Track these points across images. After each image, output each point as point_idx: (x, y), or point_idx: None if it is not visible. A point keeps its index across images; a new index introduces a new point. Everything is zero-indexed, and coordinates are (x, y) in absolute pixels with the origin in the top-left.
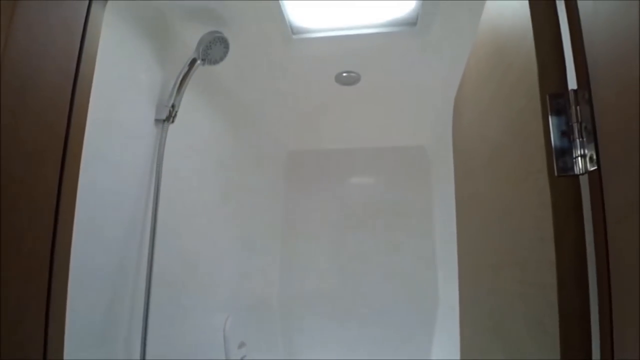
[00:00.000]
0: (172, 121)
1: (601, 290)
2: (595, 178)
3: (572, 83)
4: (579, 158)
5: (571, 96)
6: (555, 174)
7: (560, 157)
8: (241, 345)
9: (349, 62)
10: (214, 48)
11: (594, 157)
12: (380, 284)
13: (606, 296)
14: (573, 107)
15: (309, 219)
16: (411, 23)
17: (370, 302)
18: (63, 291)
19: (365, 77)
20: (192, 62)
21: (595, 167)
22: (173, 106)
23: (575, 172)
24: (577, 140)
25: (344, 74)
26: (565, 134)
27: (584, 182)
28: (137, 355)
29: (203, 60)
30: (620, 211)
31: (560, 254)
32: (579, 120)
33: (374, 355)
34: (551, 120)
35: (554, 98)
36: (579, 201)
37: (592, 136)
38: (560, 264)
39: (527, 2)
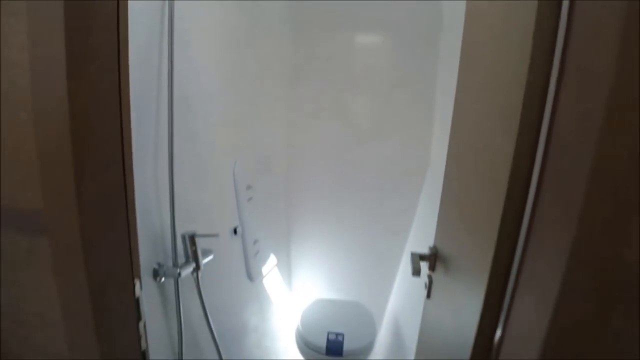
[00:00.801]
0: None
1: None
2: None
3: None
4: None
5: None
6: None
7: None
8: (248, 187)
9: None
10: None
11: None
12: (378, 141)
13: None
14: None
15: (314, 74)
16: None
17: (367, 158)
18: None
19: None
20: None
21: None
22: None
23: None
24: None
25: None
26: None
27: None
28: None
29: None
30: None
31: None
32: None
33: (363, 204)
34: None
35: None
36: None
37: None
38: (533, 59)
39: None
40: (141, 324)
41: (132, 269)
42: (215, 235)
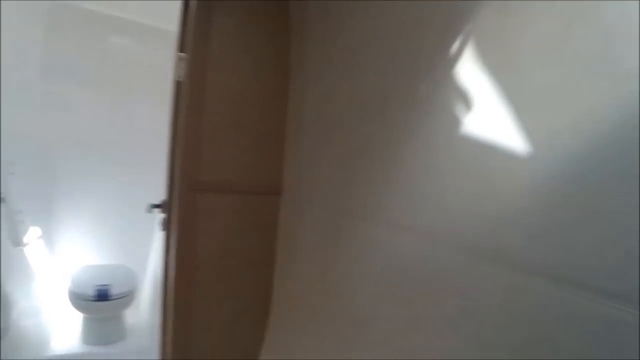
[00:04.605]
0: None
1: None
2: None
3: None
4: None
5: None
6: None
7: None
8: (11, 163)
9: None
10: None
11: None
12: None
13: None
14: None
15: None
16: None
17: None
18: None
19: None
20: None
21: None
22: None
23: None
24: None
25: None
26: None
27: None
28: None
29: None
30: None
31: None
32: None
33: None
34: None
35: None
36: None
37: None
38: None
39: None
40: None
41: None
42: None
